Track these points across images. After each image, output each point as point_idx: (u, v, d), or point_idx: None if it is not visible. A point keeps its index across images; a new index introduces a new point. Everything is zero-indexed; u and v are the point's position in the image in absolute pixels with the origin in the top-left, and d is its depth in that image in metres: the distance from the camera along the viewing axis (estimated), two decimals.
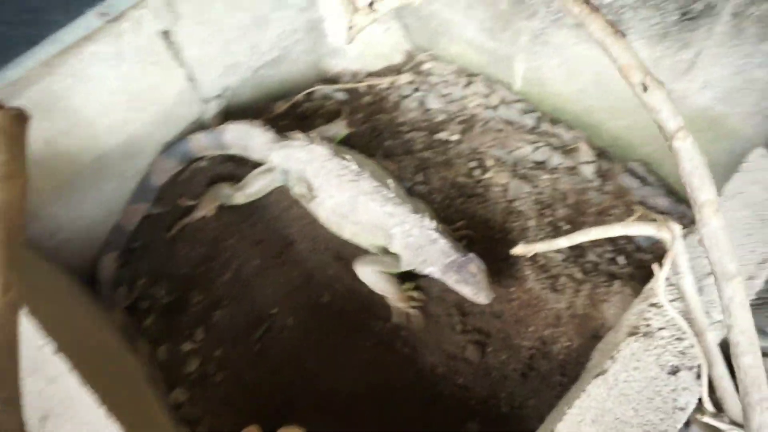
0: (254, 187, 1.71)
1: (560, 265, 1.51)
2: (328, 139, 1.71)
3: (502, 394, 1.40)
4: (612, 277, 1.47)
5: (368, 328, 1.52)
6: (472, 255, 1.44)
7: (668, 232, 1.01)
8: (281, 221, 1.72)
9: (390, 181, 1.55)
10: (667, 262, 0.98)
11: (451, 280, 1.43)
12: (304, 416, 1.40)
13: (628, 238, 1.56)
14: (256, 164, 1.78)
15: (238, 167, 1.84)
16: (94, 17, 1.50)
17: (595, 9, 0.83)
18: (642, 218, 1.53)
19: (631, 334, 1.03)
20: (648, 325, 1.03)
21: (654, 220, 1.08)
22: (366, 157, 1.67)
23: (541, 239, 1.55)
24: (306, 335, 1.52)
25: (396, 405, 1.42)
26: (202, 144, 1.80)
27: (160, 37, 1.65)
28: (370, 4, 1.11)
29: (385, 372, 1.46)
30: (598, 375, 0.99)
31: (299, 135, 1.69)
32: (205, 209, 1.73)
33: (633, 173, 1.65)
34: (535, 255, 1.51)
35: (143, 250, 1.77)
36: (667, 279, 1.04)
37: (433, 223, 1.48)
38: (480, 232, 1.61)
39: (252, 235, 1.71)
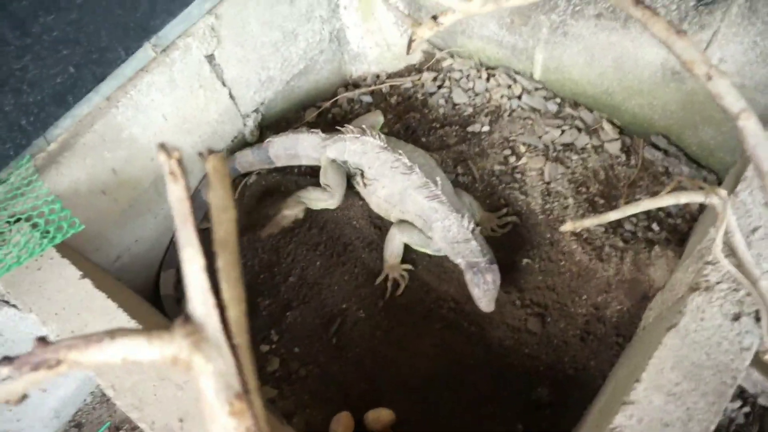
0: (338, 188, 1.79)
1: (602, 236, 1.65)
2: (371, 128, 1.80)
3: (566, 358, 1.55)
4: (650, 243, 1.62)
5: (435, 313, 1.65)
6: (495, 267, 1.56)
7: (717, 198, 1.15)
8: (334, 225, 1.83)
9: (438, 179, 1.66)
10: (723, 225, 1.12)
11: (467, 277, 1.57)
12: (388, 400, 1.53)
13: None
14: (303, 171, 1.88)
15: (285, 177, 1.95)
16: (150, 49, 1.59)
17: (656, 13, 0.96)
18: (677, 188, 1.68)
19: (693, 290, 1.17)
20: (707, 281, 1.17)
21: (701, 188, 1.22)
22: (414, 148, 1.78)
23: (581, 215, 1.69)
24: (378, 325, 1.64)
25: (469, 379, 1.55)
26: (249, 160, 1.90)
27: (205, 61, 1.74)
28: (434, 18, 1.22)
29: (456, 351, 1.59)
30: (670, 328, 1.13)
31: (350, 128, 1.78)
32: (293, 211, 1.83)
33: (655, 146, 1.80)
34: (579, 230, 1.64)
35: None
36: (712, 238, 1.18)
37: (471, 225, 1.59)
38: (523, 215, 1.75)
39: (309, 240, 1.82)
